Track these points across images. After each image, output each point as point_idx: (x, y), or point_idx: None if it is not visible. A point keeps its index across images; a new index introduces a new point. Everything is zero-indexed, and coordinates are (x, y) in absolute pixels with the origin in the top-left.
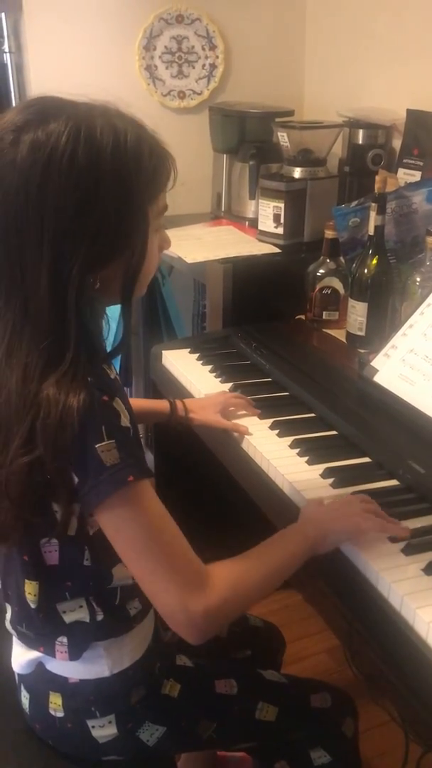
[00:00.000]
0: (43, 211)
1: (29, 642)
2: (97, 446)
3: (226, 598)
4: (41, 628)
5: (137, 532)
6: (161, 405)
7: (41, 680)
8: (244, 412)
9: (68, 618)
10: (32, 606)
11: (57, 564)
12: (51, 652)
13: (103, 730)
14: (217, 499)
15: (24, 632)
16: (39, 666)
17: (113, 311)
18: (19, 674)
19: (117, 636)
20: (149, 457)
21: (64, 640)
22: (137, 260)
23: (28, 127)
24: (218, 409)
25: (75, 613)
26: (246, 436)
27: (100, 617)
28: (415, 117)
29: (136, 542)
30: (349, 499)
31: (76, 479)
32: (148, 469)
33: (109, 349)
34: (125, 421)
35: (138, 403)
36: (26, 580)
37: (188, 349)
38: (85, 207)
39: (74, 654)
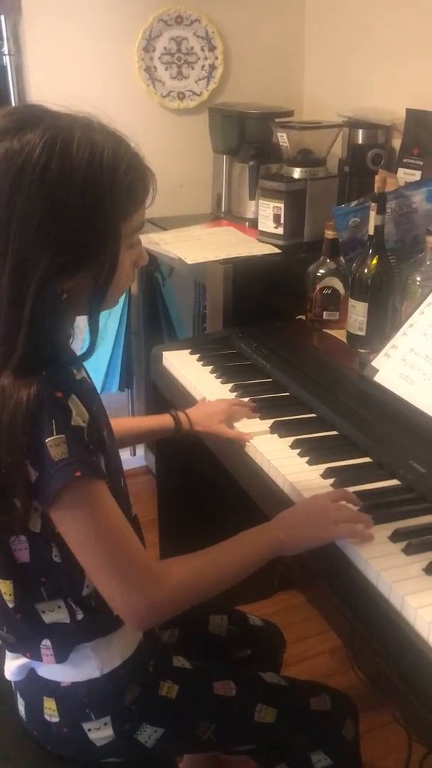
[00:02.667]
0: (11, 219)
1: (13, 647)
2: (47, 440)
3: (174, 596)
4: (22, 630)
5: (85, 528)
6: (164, 421)
7: (34, 686)
8: (246, 418)
9: (48, 618)
10: (9, 606)
11: (28, 561)
12: (37, 656)
13: (100, 732)
14: (217, 499)
15: (6, 636)
16: (31, 672)
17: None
18: (13, 681)
19: (103, 636)
20: (150, 459)
21: (48, 642)
22: (106, 275)
23: (4, 135)
24: (222, 418)
25: (54, 613)
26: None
27: (80, 616)
28: (414, 116)
29: (83, 538)
30: (325, 504)
31: (35, 474)
32: (99, 469)
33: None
34: (77, 420)
35: (140, 422)
36: (0, 580)
37: (189, 350)
38: (52, 219)
39: (60, 656)
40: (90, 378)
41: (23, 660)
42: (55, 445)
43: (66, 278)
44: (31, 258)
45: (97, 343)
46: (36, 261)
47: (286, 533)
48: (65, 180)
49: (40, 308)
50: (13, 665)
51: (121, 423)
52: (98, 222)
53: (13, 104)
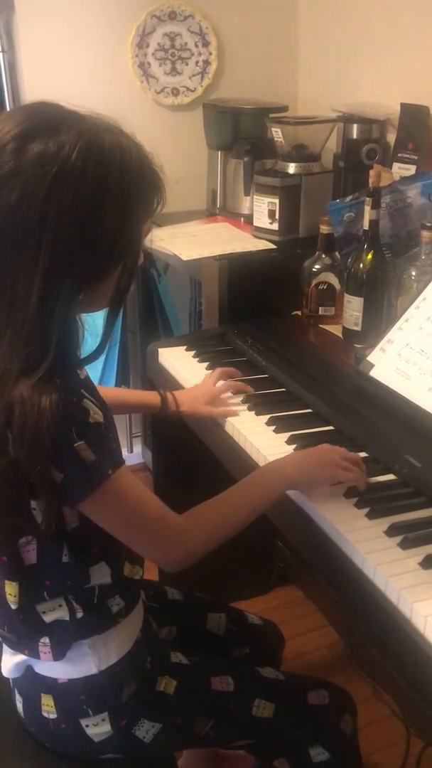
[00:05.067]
0: (45, 223)
1: (13, 645)
2: (75, 446)
3: (201, 543)
4: (22, 629)
5: (118, 513)
6: (152, 398)
7: (32, 683)
8: (234, 398)
9: (48, 618)
10: (13, 607)
11: (35, 563)
12: (35, 653)
13: (98, 728)
14: (214, 494)
15: (6, 635)
16: (28, 669)
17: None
18: (11, 678)
19: (101, 633)
20: (147, 455)
21: (46, 640)
22: (128, 276)
23: (35, 136)
24: (207, 399)
25: (54, 612)
26: (243, 433)
27: (80, 614)
28: (409, 111)
29: (118, 520)
30: (332, 448)
31: (61, 475)
32: (120, 457)
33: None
34: (95, 417)
35: (129, 395)
36: (6, 581)
37: (184, 347)
38: (87, 223)
39: (58, 654)
40: (89, 375)
41: (21, 657)
42: (83, 449)
43: (93, 283)
44: (64, 264)
45: (108, 344)
46: (70, 265)
47: (296, 470)
48: (101, 183)
49: (70, 312)
50: (11, 662)
51: (111, 392)
52: (127, 225)
53: (7, 101)
